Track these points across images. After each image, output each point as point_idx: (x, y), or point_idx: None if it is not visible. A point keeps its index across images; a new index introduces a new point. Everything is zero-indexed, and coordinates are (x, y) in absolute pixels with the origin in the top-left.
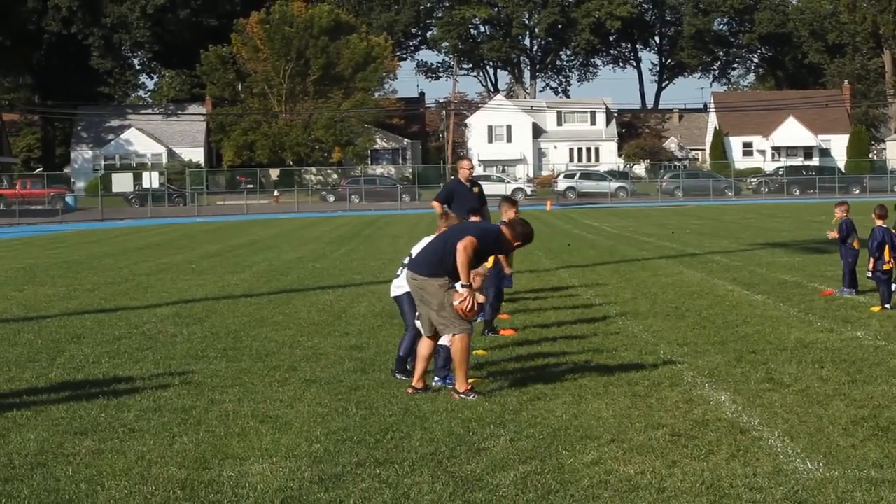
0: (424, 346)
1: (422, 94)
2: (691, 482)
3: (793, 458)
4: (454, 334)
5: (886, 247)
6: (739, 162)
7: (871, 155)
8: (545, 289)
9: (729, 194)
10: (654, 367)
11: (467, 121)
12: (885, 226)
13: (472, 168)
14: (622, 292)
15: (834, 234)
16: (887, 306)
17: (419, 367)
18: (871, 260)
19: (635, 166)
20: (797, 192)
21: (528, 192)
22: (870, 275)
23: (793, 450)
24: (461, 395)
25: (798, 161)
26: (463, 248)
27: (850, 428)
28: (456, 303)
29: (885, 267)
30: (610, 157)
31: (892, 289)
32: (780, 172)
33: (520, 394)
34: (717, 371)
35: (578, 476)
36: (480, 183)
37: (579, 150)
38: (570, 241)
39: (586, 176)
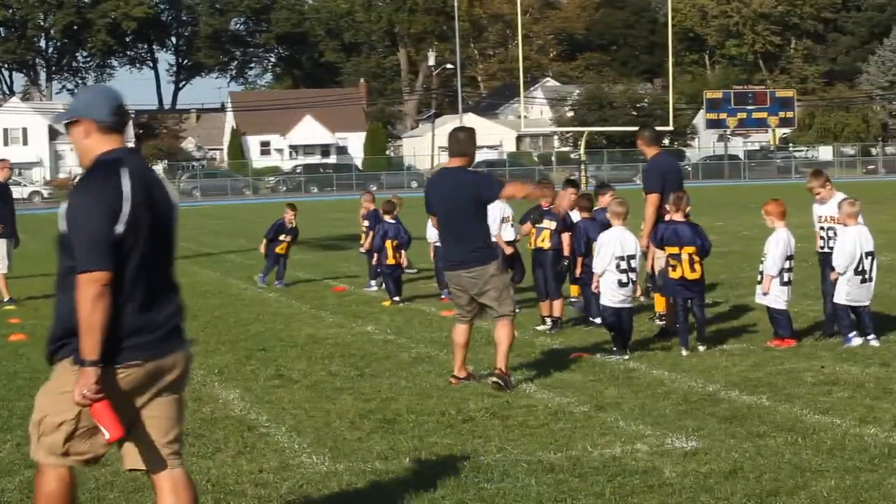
0: (462, 334)
1: None
2: (196, 480)
3: (299, 453)
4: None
5: (389, 241)
6: (258, 161)
7: (388, 152)
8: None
9: (247, 193)
10: None
11: None
12: (392, 220)
13: (9, 168)
14: None
15: None
16: (396, 299)
17: (459, 355)
18: (375, 255)
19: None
20: (315, 190)
21: (45, 195)
22: (380, 269)
23: (300, 445)
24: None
25: (316, 159)
26: None
27: (357, 421)
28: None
29: (388, 262)
30: None
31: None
32: (298, 171)
33: (27, 397)
34: (228, 369)
35: (85, 479)
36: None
37: None
38: None
39: None
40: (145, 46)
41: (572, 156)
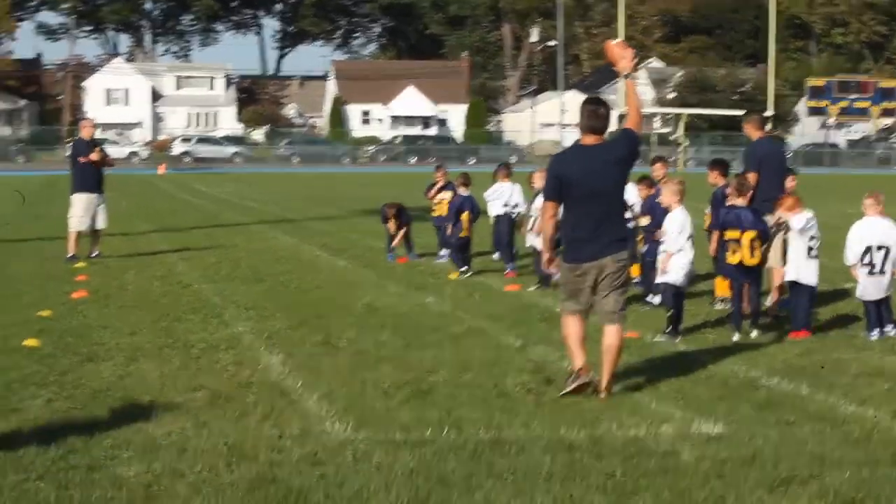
0: (581, 325)
1: (39, 55)
2: (214, 442)
3: (324, 420)
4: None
5: (464, 213)
6: (358, 130)
7: (488, 126)
8: (135, 254)
9: (346, 162)
10: (216, 329)
11: (85, 83)
12: (467, 193)
13: (93, 127)
14: (208, 257)
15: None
16: (464, 269)
17: (582, 349)
18: (449, 227)
19: (254, 132)
20: (414, 161)
21: (144, 157)
22: (451, 240)
23: (326, 412)
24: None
25: (416, 130)
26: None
27: (392, 391)
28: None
29: (462, 234)
30: (229, 123)
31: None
32: (398, 141)
33: (72, 355)
34: (277, 334)
35: (103, 437)
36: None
37: (198, 115)
38: (172, 206)
39: (203, 141)
40: (251, 12)
41: (671, 137)
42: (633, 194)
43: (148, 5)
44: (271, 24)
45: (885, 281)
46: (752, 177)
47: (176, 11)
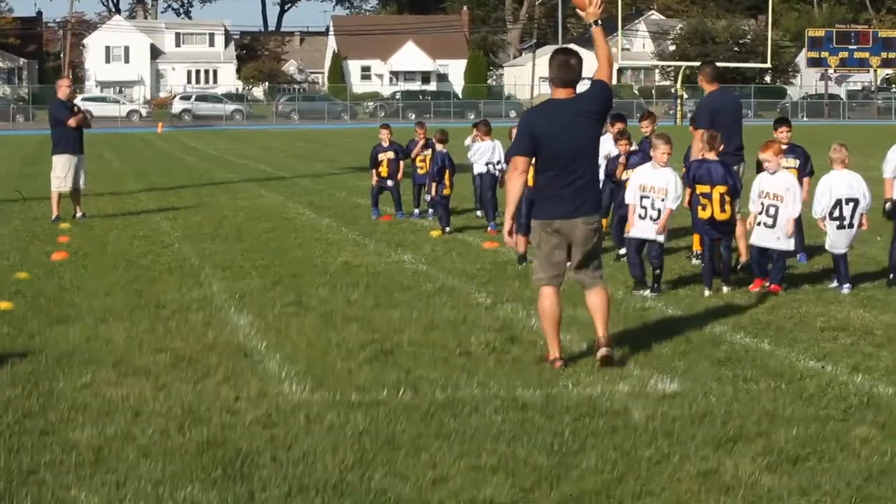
0: (558, 303)
1: (39, 13)
2: (170, 405)
3: (282, 382)
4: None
5: (447, 171)
6: (358, 86)
7: (489, 81)
8: (120, 214)
9: (345, 118)
10: (190, 290)
11: (85, 41)
12: (445, 150)
13: (72, 87)
14: (193, 216)
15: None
16: (447, 229)
17: (556, 332)
18: (433, 184)
19: (254, 89)
20: (413, 117)
21: (144, 115)
22: (428, 198)
23: (286, 373)
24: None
25: (416, 86)
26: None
27: (355, 351)
28: None
29: (445, 192)
30: (228, 80)
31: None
32: (397, 97)
33: (43, 317)
34: (251, 294)
35: (62, 399)
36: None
37: (197, 72)
38: (165, 165)
39: (203, 98)
40: None
41: (672, 90)
42: (610, 146)
43: None
44: None
45: (853, 233)
46: (698, 134)
47: None
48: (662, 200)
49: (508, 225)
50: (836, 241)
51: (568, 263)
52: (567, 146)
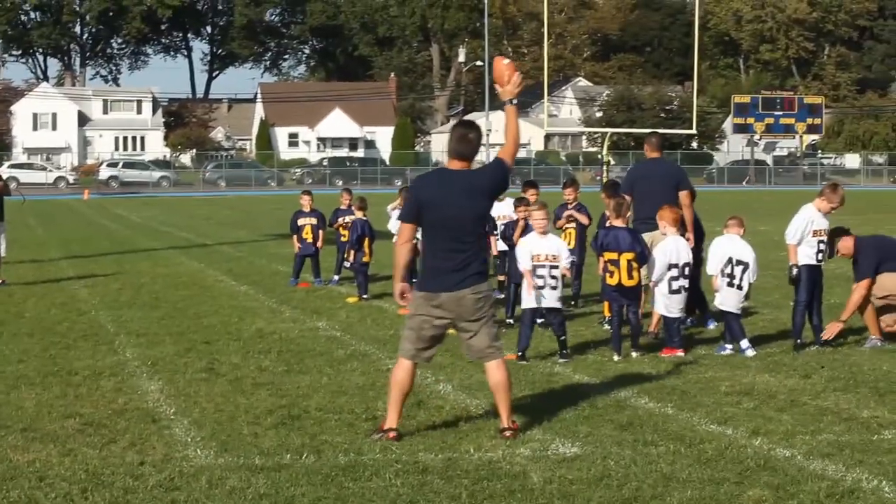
0: (411, 374)
1: None
2: (74, 470)
3: (189, 446)
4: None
5: (366, 238)
6: (286, 152)
7: (417, 147)
8: (40, 281)
9: (272, 185)
10: (104, 356)
11: (12, 108)
12: (365, 217)
13: None
14: (112, 283)
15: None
16: (365, 296)
17: (400, 402)
18: (351, 252)
19: (181, 156)
20: (340, 183)
21: (71, 181)
22: (347, 264)
23: (192, 438)
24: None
25: (343, 152)
26: None
27: (262, 417)
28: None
29: (364, 259)
30: (156, 147)
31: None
32: (324, 163)
33: None
34: (163, 361)
35: None
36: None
37: (125, 138)
38: (87, 232)
39: (130, 165)
40: (180, 35)
41: (598, 156)
42: (509, 210)
43: (77, 28)
44: (200, 47)
45: (741, 295)
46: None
47: (105, 34)
48: (556, 268)
49: (398, 289)
50: (725, 298)
51: (464, 337)
52: (452, 217)
